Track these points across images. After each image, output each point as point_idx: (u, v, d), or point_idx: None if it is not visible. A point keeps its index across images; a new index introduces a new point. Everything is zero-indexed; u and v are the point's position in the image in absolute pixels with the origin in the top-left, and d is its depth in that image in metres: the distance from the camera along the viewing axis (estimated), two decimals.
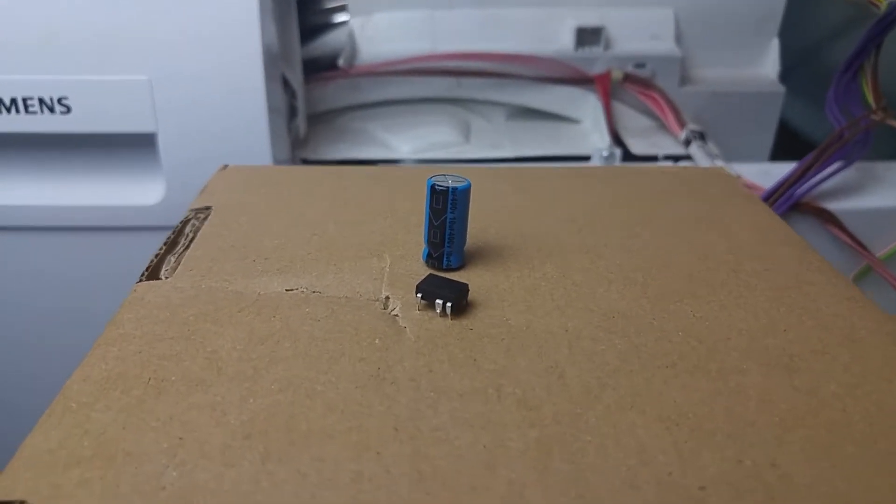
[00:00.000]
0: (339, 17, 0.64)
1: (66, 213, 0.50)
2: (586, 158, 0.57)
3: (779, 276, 0.27)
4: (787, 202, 0.49)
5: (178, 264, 0.28)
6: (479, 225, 0.31)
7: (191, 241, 0.29)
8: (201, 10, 0.45)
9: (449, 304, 0.24)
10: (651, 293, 0.26)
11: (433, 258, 0.27)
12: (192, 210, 0.32)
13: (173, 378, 0.21)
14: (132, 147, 0.50)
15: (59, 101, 0.47)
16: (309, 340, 0.23)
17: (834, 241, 0.51)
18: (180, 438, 0.19)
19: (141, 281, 0.27)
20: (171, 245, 0.29)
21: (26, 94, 0.46)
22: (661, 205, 0.33)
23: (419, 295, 0.25)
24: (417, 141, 0.60)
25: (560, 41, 0.65)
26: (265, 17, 0.47)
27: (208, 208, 0.32)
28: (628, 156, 0.58)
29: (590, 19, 0.64)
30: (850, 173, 0.53)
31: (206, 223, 0.31)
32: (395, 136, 0.60)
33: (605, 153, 0.56)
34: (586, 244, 0.29)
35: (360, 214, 0.32)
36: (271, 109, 0.48)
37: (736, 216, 0.32)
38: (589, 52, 0.64)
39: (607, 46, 0.64)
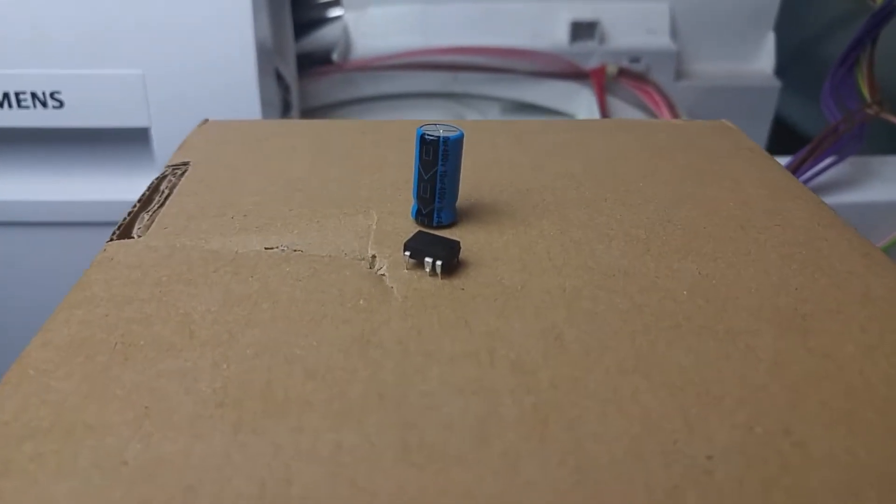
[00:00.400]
0: (333, 12, 0.63)
1: (60, 208, 0.50)
2: None
3: (790, 232, 0.26)
4: None
5: (152, 222, 0.26)
6: (471, 179, 0.29)
7: (166, 197, 0.28)
8: (195, 3, 0.45)
9: (439, 263, 0.22)
10: (654, 250, 0.24)
11: (423, 214, 0.26)
12: (168, 166, 0.30)
13: (142, 343, 0.19)
14: (126, 142, 0.50)
15: (52, 95, 0.46)
16: (289, 302, 0.21)
17: None
18: (146, 408, 0.17)
19: (112, 240, 0.25)
20: (145, 202, 0.28)
21: (19, 88, 0.46)
22: (664, 158, 0.31)
23: (407, 253, 0.23)
24: None
25: (555, 35, 0.64)
26: (258, 12, 0.46)
27: (186, 164, 0.30)
28: None
29: (585, 13, 0.63)
30: (844, 167, 0.52)
31: (184, 179, 0.29)
32: None
33: None
34: (585, 199, 0.28)
35: (346, 169, 0.30)
36: (265, 104, 0.48)
37: (743, 170, 0.30)
38: (584, 46, 0.63)
39: (602, 41, 0.63)
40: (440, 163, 0.24)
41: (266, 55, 0.48)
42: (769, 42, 0.68)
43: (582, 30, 0.63)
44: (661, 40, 0.65)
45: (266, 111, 0.48)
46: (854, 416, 0.17)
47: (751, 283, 0.23)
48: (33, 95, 0.46)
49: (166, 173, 0.30)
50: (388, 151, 0.32)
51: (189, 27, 0.45)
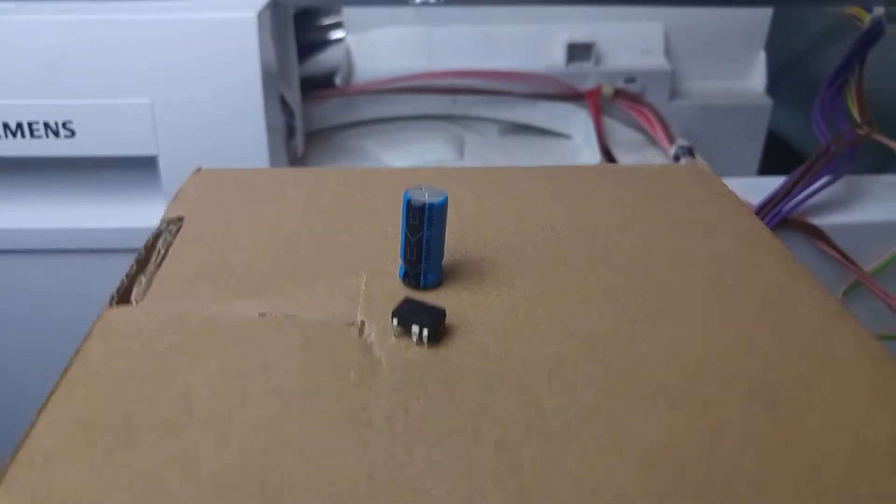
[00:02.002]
0: (336, 34, 0.64)
1: (70, 235, 0.52)
2: None
3: (759, 288, 0.27)
4: (776, 218, 0.50)
5: (150, 286, 0.27)
6: (457, 233, 0.30)
7: (162, 258, 0.29)
8: (202, 34, 0.46)
9: (426, 332, 0.23)
10: (631, 312, 0.25)
11: (410, 276, 0.27)
12: (164, 221, 0.31)
13: (144, 424, 0.20)
14: (134, 169, 0.51)
15: (64, 125, 0.47)
16: (283, 374, 0.22)
17: (823, 256, 0.52)
18: (148, 497, 0.18)
19: (111, 306, 0.26)
20: (142, 263, 0.28)
21: (32, 118, 0.47)
22: (642, 207, 0.32)
23: (395, 321, 0.24)
24: (412, 158, 0.61)
25: (552, 57, 0.65)
26: (264, 42, 0.47)
27: (181, 219, 0.31)
28: None
29: (581, 35, 0.64)
30: (836, 187, 0.53)
31: (179, 236, 0.30)
32: (391, 154, 0.62)
33: None
34: (566, 255, 0.29)
35: (336, 222, 0.31)
36: (270, 130, 0.49)
37: (717, 219, 0.32)
38: (580, 67, 0.65)
39: (598, 62, 0.64)
40: (426, 227, 0.25)
41: (271, 82, 0.49)
42: (760, 61, 0.69)
43: (578, 51, 0.64)
44: (656, 60, 0.66)
45: (271, 137, 0.49)
46: (820, 489, 0.19)
47: (722, 348, 0.24)
48: (46, 125, 0.48)
49: (162, 229, 0.31)
50: (377, 202, 0.33)
51: (196, 57, 0.47)
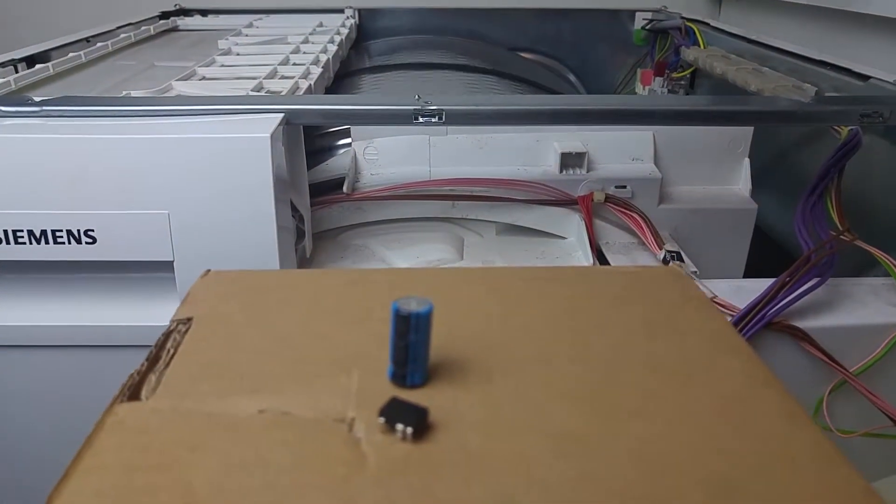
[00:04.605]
0: (343, 141, 0.69)
1: (89, 332, 0.55)
2: None
3: (725, 388, 0.29)
4: (762, 321, 0.52)
5: (159, 384, 0.29)
6: (445, 331, 0.32)
7: (171, 357, 0.31)
8: (218, 152, 0.50)
9: (410, 429, 0.25)
10: (602, 410, 0.27)
11: (397, 376, 0.29)
12: (174, 321, 0.34)
13: None
14: (150, 272, 0.54)
15: (86, 232, 0.51)
16: (278, 470, 0.24)
17: (809, 357, 0.54)
18: None
19: (122, 401, 0.28)
20: (152, 361, 0.31)
21: (56, 226, 0.51)
22: (617, 309, 0.35)
23: (382, 419, 0.26)
24: (414, 259, 0.65)
25: (546, 163, 0.70)
26: (276, 157, 0.50)
27: (189, 319, 0.34)
28: None
29: (573, 144, 0.68)
30: (820, 290, 0.55)
31: (187, 336, 0.32)
32: (394, 253, 0.66)
33: None
34: (543, 355, 0.31)
35: (334, 324, 0.33)
36: (280, 236, 0.52)
37: (688, 321, 0.34)
38: (573, 174, 0.68)
39: (590, 169, 0.69)
40: (412, 333, 0.28)
41: (282, 190, 0.52)
42: (745, 167, 0.72)
43: (571, 159, 0.68)
44: (646, 167, 0.70)
45: (281, 243, 0.52)
46: None
47: (687, 445, 0.25)
48: (69, 232, 0.51)
49: (171, 329, 0.33)
50: (374, 303, 0.35)
51: (212, 172, 0.50)
